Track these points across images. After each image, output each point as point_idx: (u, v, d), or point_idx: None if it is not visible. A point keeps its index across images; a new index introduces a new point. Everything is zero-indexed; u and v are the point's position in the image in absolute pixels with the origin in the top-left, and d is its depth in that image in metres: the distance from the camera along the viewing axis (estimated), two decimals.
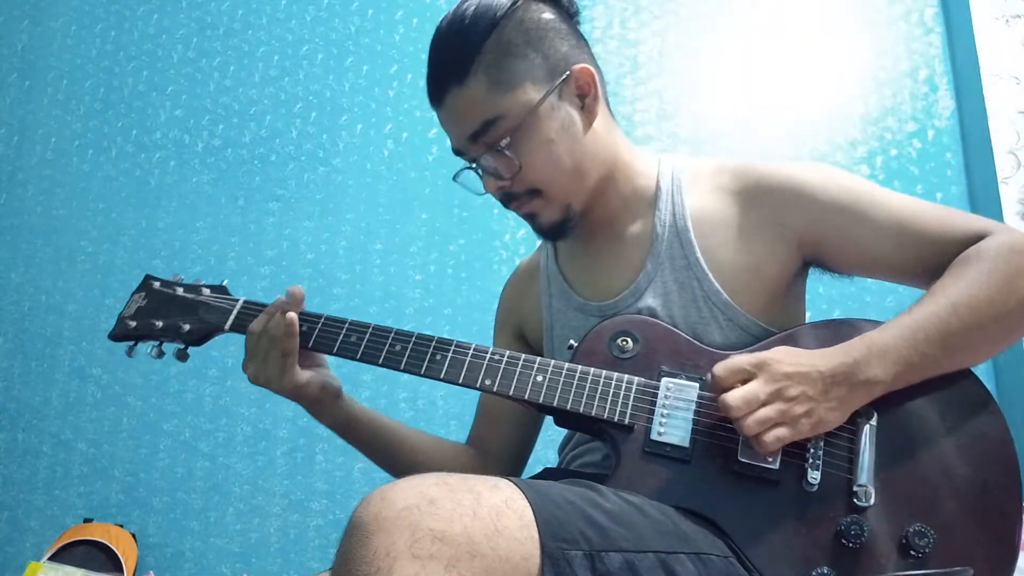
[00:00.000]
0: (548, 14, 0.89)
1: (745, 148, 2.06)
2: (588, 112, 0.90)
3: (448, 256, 2.14)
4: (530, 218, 0.93)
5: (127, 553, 1.88)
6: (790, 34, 2.12)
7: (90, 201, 2.36)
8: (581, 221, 0.94)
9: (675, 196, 0.93)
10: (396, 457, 1.01)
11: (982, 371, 1.81)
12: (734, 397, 0.72)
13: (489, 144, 0.87)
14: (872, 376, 0.73)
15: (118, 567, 1.84)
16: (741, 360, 0.75)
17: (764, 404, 0.72)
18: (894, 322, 0.76)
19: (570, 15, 0.93)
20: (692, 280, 0.88)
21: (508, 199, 0.92)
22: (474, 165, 0.92)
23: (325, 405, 0.96)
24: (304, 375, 0.92)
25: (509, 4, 0.86)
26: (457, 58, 0.86)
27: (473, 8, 0.87)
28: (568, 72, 0.88)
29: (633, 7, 2.22)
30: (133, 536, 1.98)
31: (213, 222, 2.28)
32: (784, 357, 0.74)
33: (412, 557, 0.55)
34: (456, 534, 0.57)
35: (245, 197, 2.29)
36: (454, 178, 0.95)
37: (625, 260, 0.94)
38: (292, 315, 0.91)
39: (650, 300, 0.89)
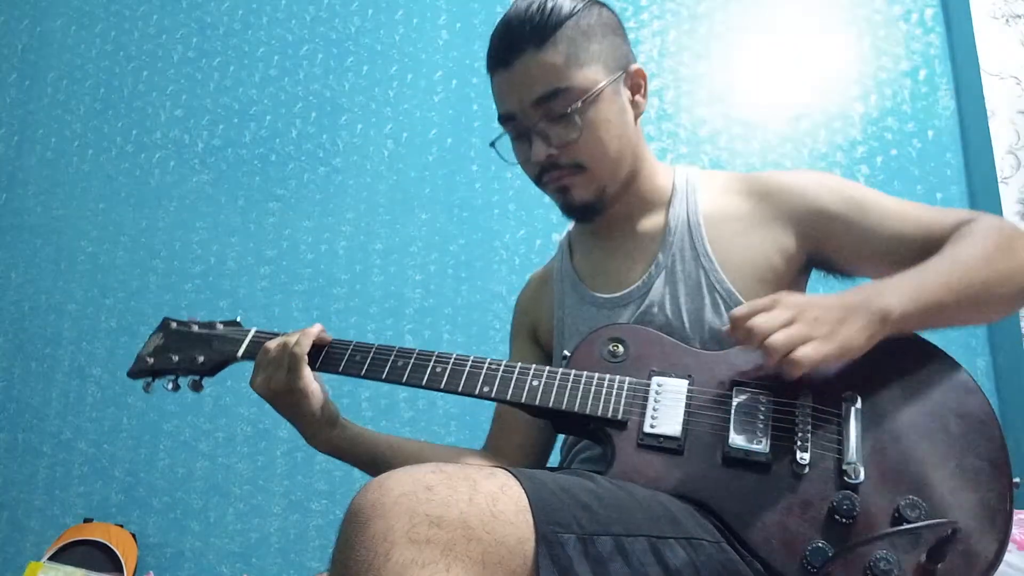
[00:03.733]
0: (615, 18, 0.98)
1: (745, 148, 2.06)
2: (636, 108, 0.98)
3: (448, 256, 2.14)
4: (563, 192, 0.96)
5: (127, 553, 1.88)
6: (790, 34, 2.12)
7: (90, 201, 2.37)
8: (603, 213, 0.99)
9: (689, 196, 0.99)
10: None
11: (982, 371, 1.81)
12: (759, 321, 0.73)
13: (553, 111, 0.91)
14: (886, 305, 0.76)
15: (118, 567, 1.84)
16: (756, 301, 0.77)
17: (787, 325, 0.73)
18: (900, 273, 0.80)
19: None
20: (699, 269, 0.93)
21: (548, 170, 0.94)
22: (527, 133, 0.94)
23: (321, 425, 0.96)
24: (316, 383, 0.95)
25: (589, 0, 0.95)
26: (541, 25, 0.91)
27: None
28: (628, 68, 0.96)
29: (633, 7, 2.22)
30: (133, 536, 1.98)
31: (213, 222, 2.28)
32: (797, 294, 0.77)
33: (409, 541, 0.56)
34: (453, 519, 0.58)
35: (245, 197, 2.29)
36: (492, 144, 0.99)
37: (638, 255, 0.98)
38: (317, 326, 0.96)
39: (660, 292, 0.93)
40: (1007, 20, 1.93)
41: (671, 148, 2.09)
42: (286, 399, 0.93)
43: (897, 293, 0.77)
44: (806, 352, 0.72)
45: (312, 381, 0.94)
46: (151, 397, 2.13)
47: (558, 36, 0.90)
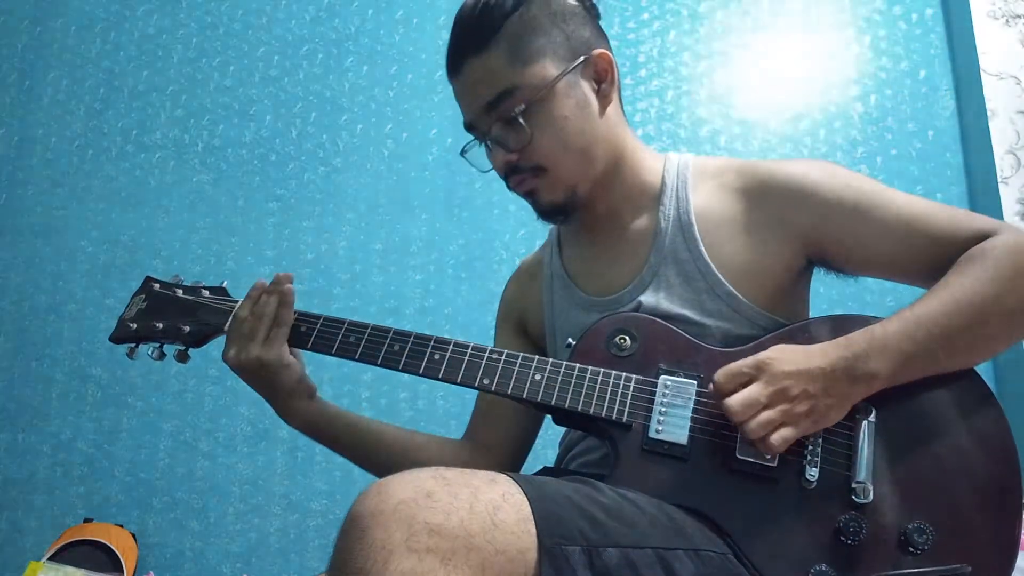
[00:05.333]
0: (574, 1, 0.91)
1: (745, 148, 2.06)
2: (603, 97, 0.91)
3: (448, 256, 2.14)
4: (531, 196, 0.93)
5: (127, 553, 1.88)
6: (790, 34, 2.12)
7: (90, 201, 2.36)
8: (585, 213, 0.95)
9: (680, 191, 0.93)
10: (385, 456, 0.99)
11: (982, 371, 1.80)
12: (735, 401, 0.72)
13: (502, 115, 0.87)
14: (872, 370, 0.73)
15: (118, 567, 1.83)
16: (740, 364, 0.74)
17: (766, 407, 0.72)
18: (896, 316, 0.76)
19: (594, 16, 0.95)
20: (696, 273, 0.88)
21: (512, 173, 0.91)
22: (484, 140, 0.91)
23: (297, 399, 0.94)
24: (292, 357, 0.92)
25: None
26: (480, 28, 0.87)
27: None
28: (588, 55, 0.89)
29: (633, 7, 2.22)
30: (133, 536, 1.97)
31: (213, 222, 2.28)
32: (783, 356, 0.74)
33: (408, 550, 0.55)
34: (452, 527, 0.57)
35: (245, 197, 2.28)
36: (462, 153, 0.95)
37: (629, 255, 0.94)
38: (289, 286, 0.92)
39: (653, 295, 0.89)
40: (1007, 20, 1.93)
41: (671, 148, 2.08)
42: (261, 373, 0.90)
43: (886, 355, 0.73)
44: (783, 436, 0.71)
45: (288, 354, 0.91)
46: (151, 397, 2.13)
47: (499, 36, 0.85)
